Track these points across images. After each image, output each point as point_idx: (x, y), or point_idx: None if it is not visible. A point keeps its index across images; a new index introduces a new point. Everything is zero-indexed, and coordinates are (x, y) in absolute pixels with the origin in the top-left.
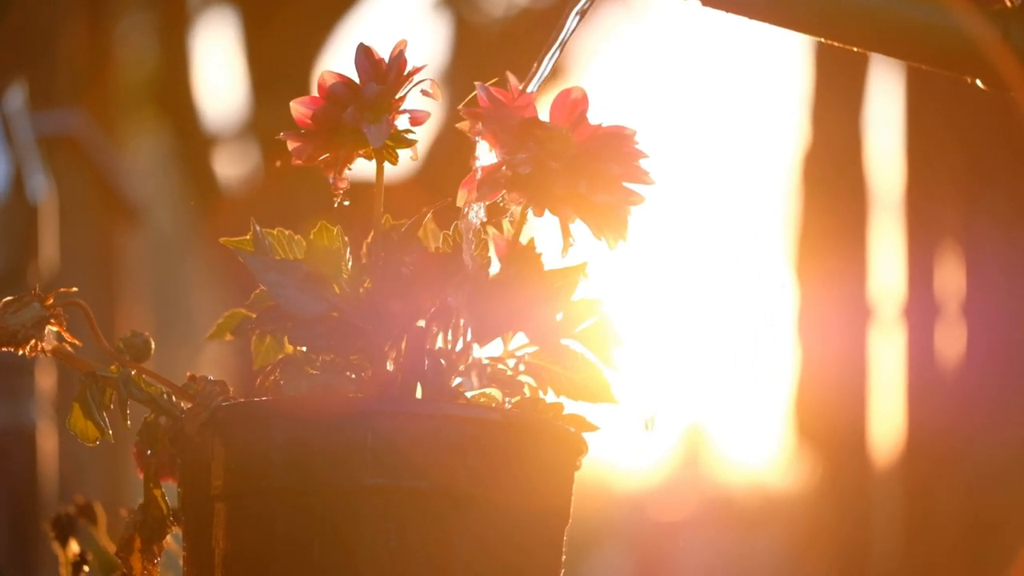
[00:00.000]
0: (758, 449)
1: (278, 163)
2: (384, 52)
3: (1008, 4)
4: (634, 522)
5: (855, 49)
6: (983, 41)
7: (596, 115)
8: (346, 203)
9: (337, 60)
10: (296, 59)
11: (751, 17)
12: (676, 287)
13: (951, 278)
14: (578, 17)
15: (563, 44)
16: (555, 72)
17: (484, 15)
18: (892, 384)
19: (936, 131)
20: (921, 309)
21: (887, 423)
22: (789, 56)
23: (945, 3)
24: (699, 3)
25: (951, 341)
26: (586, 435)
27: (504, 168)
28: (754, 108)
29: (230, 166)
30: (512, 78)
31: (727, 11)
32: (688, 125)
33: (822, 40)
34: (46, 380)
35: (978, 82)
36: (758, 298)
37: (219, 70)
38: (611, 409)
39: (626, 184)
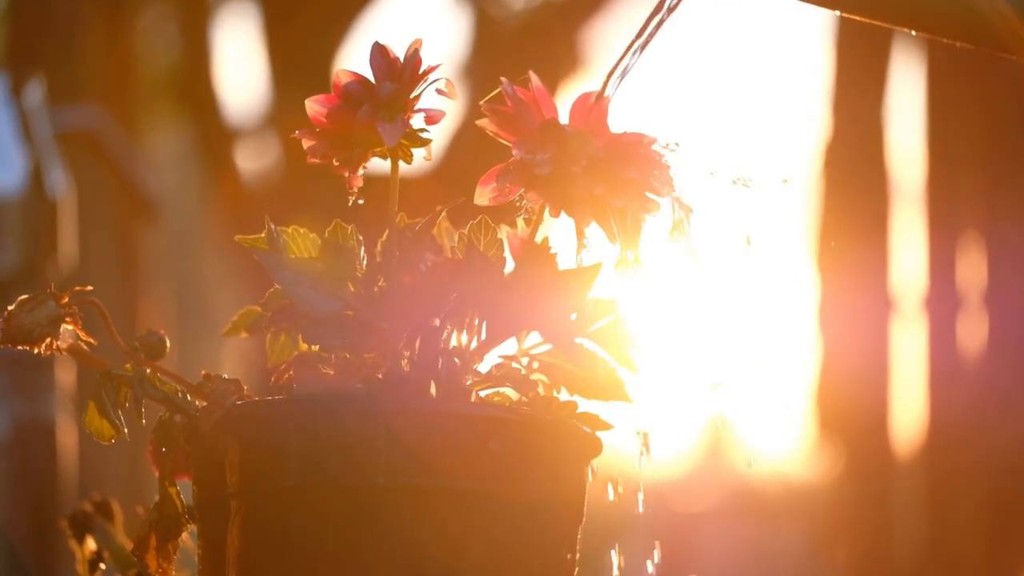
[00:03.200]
0: (781, 440)
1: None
2: (400, 50)
3: None
4: (656, 513)
5: (902, 30)
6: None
7: (616, 119)
8: (360, 201)
9: (357, 53)
10: (316, 52)
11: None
12: (699, 280)
13: (973, 269)
14: (665, 13)
15: (650, 37)
16: (573, 66)
17: (504, 8)
18: (914, 375)
19: (958, 122)
20: (943, 300)
21: (909, 414)
22: (810, 47)
23: None
24: None
25: (973, 332)
26: (608, 420)
27: (524, 167)
28: (775, 99)
29: (250, 160)
30: (535, 78)
31: None
32: (709, 116)
33: (864, 19)
34: (65, 376)
35: None
36: (780, 290)
37: (239, 64)
38: (626, 407)
39: (644, 191)
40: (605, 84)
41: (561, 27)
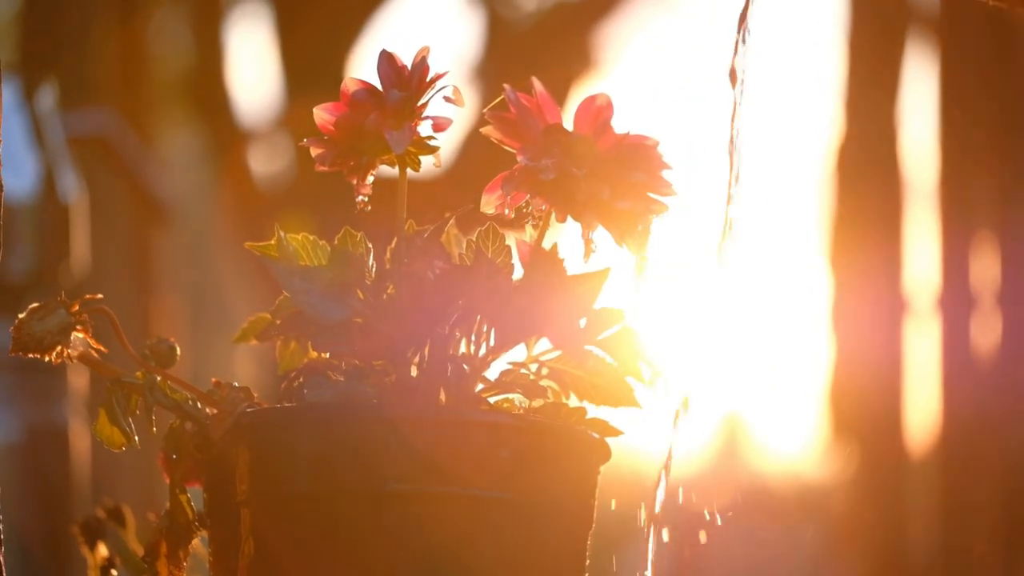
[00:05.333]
0: (795, 439)
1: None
2: (408, 57)
3: None
4: (670, 513)
5: None
6: None
7: (621, 122)
8: (368, 208)
9: (370, 55)
10: (329, 54)
11: None
12: (713, 280)
13: (986, 268)
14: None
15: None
16: (586, 67)
17: (517, 9)
18: (927, 374)
19: (971, 120)
20: (956, 299)
21: (923, 413)
22: (823, 46)
23: None
24: None
25: (987, 331)
26: (618, 426)
27: (528, 173)
28: (788, 98)
29: (264, 163)
30: (538, 83)
31: None
32: (722, 116)
33: None
34: (79, 380)
35: None
36: (794, 288)
37: (252, 67)
38: (637, 411)
39: (649, 193)
40: (732, 81)
41: (573, 29)
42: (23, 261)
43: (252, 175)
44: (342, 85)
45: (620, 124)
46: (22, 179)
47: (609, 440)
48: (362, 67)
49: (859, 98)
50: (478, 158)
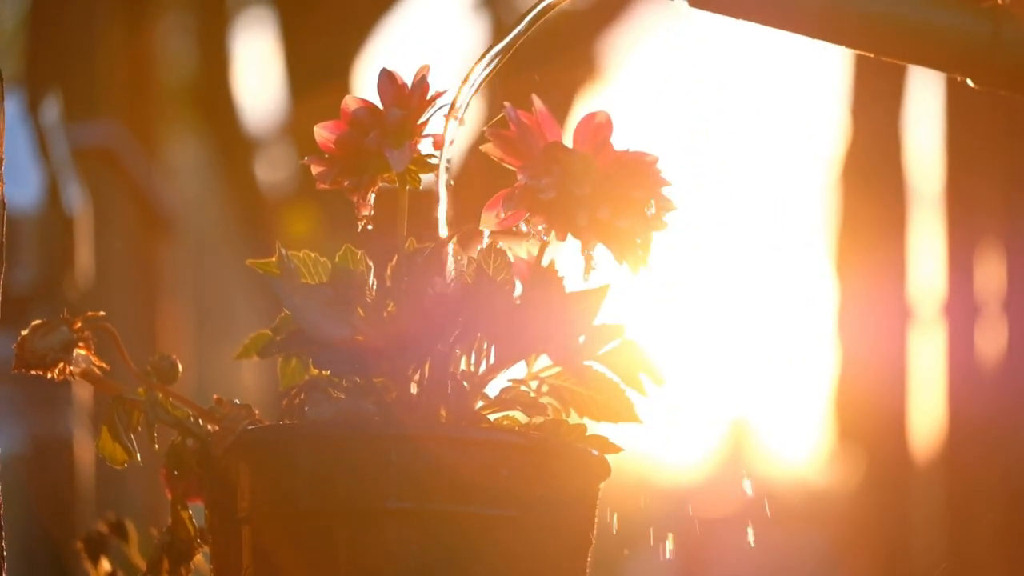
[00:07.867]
0: (801, 446)
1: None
2: (408, 76)
3: (998, 2)
4: (677, 519)
5: (848, 49)
6: (973, 39)
7: (621, 138)
8: (370, 227)
9: (375, 62)
10: (334, 61)
11: (740, 17)
12: (719, 286)
13: (991, 275)
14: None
15: (511, 47)
16: (590, 75)
17: (521, 16)
18: (932, 381)
19: (976, 128)
20: (961, 306)
21: (928, 420)
22: (829, 53)
23: (936, 1)
24: (687, 3)
25: (991, 338)
26: (622, 433)
27: (528, 191)
28: (794, 106)
29: (269, 171)
30: (538, 101)
31: (715, 11)
32: (728, 124)
33: (816, 40)
34: (83, 392)
35: (969, 81)
36: (799, 296)
37: (257, 75)
38: (638, 426)
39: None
40: (458, 93)
41: (578, 36)
42: (27, 273)
43: (258, 185)
44: (342, 103)
45: (619, 141)
46: (26, 191)
47: (610, 456)
48: (367, 74)
49: (864, 105)
50: (484, 164)
